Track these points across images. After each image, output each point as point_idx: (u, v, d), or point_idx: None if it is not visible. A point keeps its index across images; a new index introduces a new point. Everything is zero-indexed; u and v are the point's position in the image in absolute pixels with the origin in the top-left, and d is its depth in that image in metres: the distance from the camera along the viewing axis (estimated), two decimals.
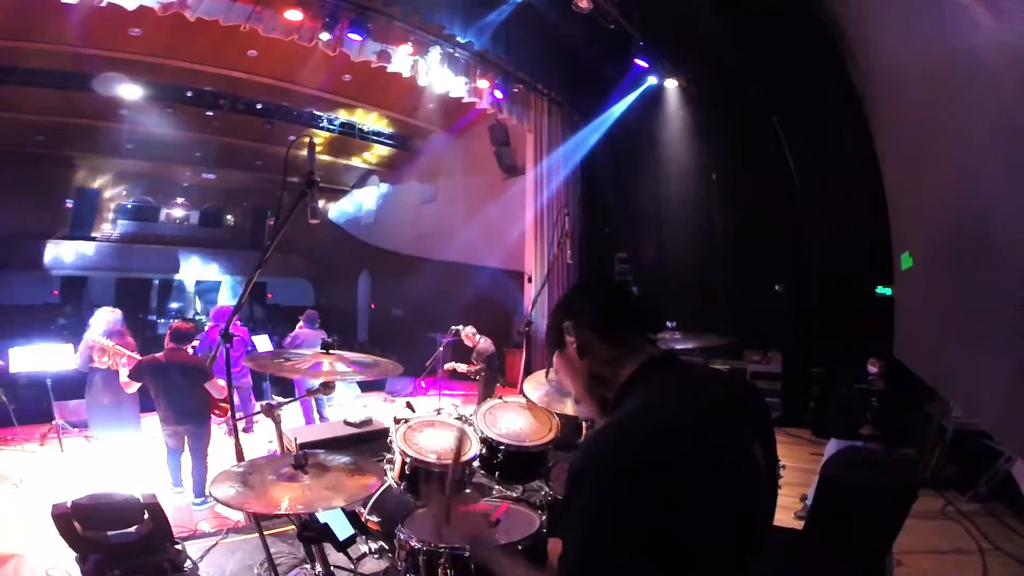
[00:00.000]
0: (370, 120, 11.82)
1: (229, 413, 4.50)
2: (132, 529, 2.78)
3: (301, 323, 6.67)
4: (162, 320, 15.23)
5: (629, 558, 0.86)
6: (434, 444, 2.51)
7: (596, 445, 1.00)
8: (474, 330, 6.67)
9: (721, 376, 1.21)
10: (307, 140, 2.05)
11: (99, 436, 5.06)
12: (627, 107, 7.94)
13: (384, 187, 15.73)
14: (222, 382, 4.36)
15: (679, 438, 0.93)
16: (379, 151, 13.63)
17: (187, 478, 4.46)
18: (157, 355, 4.41)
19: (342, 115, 11.64)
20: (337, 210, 17.53)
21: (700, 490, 0.89)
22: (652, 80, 7.47)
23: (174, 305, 17.54)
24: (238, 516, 3.88)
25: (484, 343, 6.56)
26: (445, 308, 10.59)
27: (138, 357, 4.61)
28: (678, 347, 4.04)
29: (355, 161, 14.53)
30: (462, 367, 6.53)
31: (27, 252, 14.88)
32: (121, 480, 4.54)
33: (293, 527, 2.36)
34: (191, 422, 4.34)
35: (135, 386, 4.40)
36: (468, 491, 2.49)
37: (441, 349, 6.93)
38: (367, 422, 3.78)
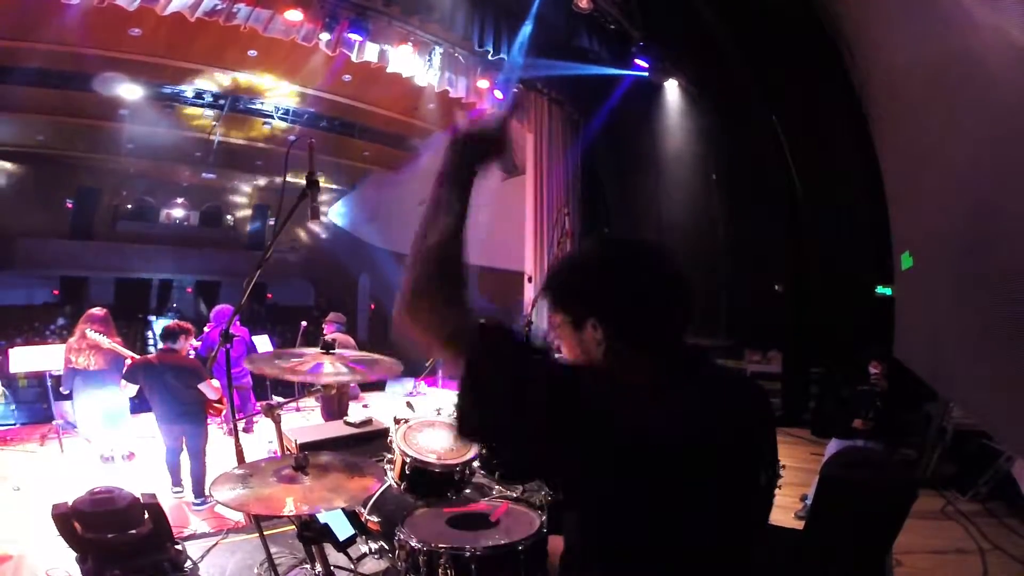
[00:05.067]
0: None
1: (227, 413, 4.50)
2: (132, 529, 2.78)
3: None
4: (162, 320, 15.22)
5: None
6: (434, 444, 2.51)
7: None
8: None
9: (748, 387, 1.20)
10: (309, 141, 2.05)
11: (90, 436, 5.07)
12: (624, 100, 7.94)
13: (384, 187, 15.73)
14: (216, 383, 4.36)
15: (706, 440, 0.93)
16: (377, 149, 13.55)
17: (187, 478, 4.46)
18: (150, 356, 4.43)
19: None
20: (337, 210, 17.54)
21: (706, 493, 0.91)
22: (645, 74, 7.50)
23: (173, 305, 17.55)
24: (238, 516, 3.88)
25: None
26: None
27: (136, 357, 4.61)
28: None
29: (354, 160, 14.48)
30: None
31: (27, 252, 14.87)
32: (121, 480, 4.55)
33: (293, 527, 2.36)
34: (187, 422, 4.33)
35: (132, 388, 4.40)
36: (468, 491, 2.50)
37: None
38: (367, 422, 3.77)
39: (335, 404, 5.65)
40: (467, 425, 0.96)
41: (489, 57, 7.07)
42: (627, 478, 0.88)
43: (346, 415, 5.52)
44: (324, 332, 5.96)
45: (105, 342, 4.74)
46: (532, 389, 0.90)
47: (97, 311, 4.99)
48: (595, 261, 1.06)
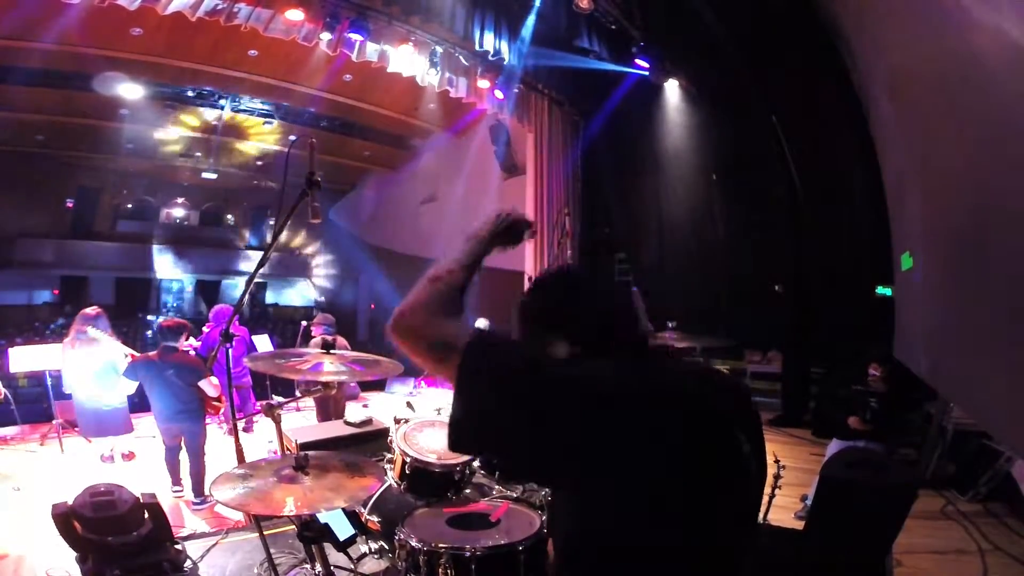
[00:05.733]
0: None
1: (226, 412, 4.51)
2: (133, 531, 2.78)
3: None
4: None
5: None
6: (434, 444, 2.51)
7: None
8: (488, 323, 6.94)
9: (722, 378, 1.21)
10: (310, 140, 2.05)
11: (90, 435, 5.07)
12: (624, 100, 7.95)
13: (384, 187, 15.72)
14: (216, 380, 4.37)
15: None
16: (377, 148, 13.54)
17: (186, 477, 4.46)
18: (150, 354, 4.43)
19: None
20: (337, 210, 17.53)
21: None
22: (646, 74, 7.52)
23: (173, 305, 17.55)
24: (238, 516, 3.88)
25: None
26: None
27: (136, 355, 4.62)
28: (678, 347, 4.04)
29: (354, 160, 14.47)
30: None
31: (27, 252, 14.88)
32: (121, 480, 4.55)
33: (293, 527, 2.36)
34: (186, 420, 4.33)
35: (132, 385, 4.40)
36: (468, 491, 2.49)
37: None
38: (367, 422, 3.77)
39: (330, 405, 5.63)
40: (461, 435, 0.99)
41: (489, 57, 7.08)
42: (621, 474, 0.90)
43: (343, 416, 5.51)
44: (312, 334, 5.90)
45: (105, 340, 4.75)
46: (520, 393, 0.94)
47: (90, 310, 4.98)
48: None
